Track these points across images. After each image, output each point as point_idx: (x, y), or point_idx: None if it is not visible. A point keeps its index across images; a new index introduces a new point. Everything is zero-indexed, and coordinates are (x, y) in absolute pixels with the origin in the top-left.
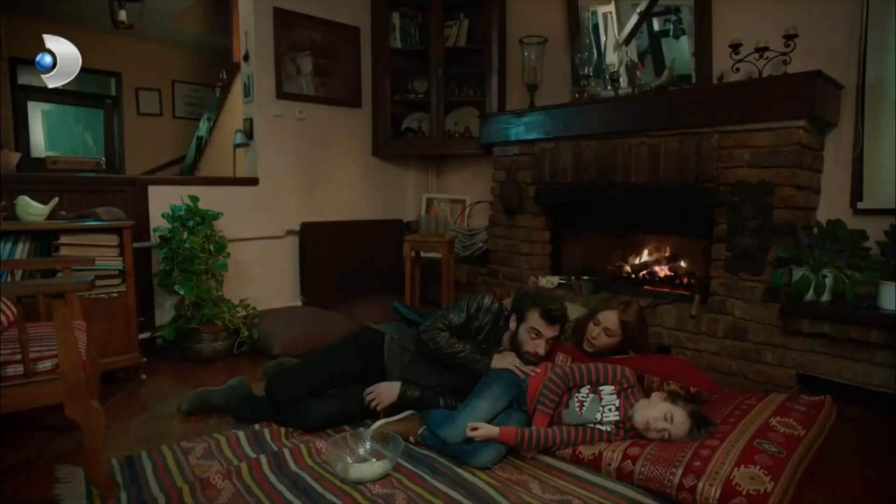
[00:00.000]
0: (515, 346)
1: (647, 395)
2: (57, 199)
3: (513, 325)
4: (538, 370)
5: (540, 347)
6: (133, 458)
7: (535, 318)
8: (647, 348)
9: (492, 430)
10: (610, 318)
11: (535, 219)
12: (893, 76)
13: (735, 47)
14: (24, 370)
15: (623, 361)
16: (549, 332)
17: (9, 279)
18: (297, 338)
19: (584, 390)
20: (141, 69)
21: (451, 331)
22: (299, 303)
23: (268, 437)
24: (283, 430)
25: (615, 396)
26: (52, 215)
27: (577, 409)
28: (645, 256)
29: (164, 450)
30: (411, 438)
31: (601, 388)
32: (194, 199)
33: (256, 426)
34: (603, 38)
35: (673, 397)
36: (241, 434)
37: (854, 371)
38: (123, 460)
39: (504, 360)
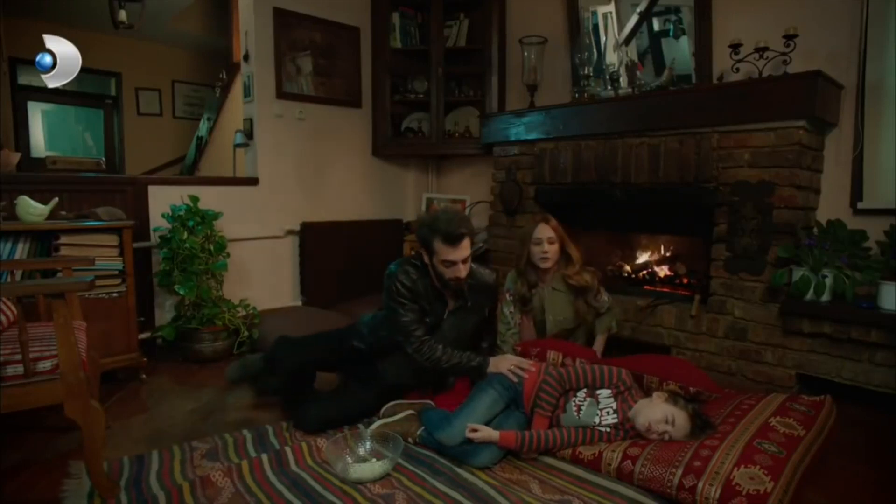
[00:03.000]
0: (438, 278)
1: (647, 395)
2: (57, 199)
3: (426, 259)
4: (532, 369)
5: (460, 272)
6: (134, 457)
7: (440, 249)
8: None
9: (492, 434)
10: (544, 229)
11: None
12: (893, 76)
13: (735, 47)
14: (24, 370)
15: (621, 362)
16: (461, 253)
17: (9, 279)
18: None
19: (581, 394)
20: (141, 69)
21: (421, 325)
22: (299, 303)
23: (271, 436)
24: (286, 428)
25: (612, 399)
26: (52, 215)
27: (575, 413)
28: (645, 256)
29: (167, 449)
30: (409, 439)
31: (598, 391)
32: (194, 199)
33: (264, 425)
34: (603, 38)
35: (674, 398)
36: (248, 435)
37: (854, 371)
38: (124, 460)
39: (500, 364)
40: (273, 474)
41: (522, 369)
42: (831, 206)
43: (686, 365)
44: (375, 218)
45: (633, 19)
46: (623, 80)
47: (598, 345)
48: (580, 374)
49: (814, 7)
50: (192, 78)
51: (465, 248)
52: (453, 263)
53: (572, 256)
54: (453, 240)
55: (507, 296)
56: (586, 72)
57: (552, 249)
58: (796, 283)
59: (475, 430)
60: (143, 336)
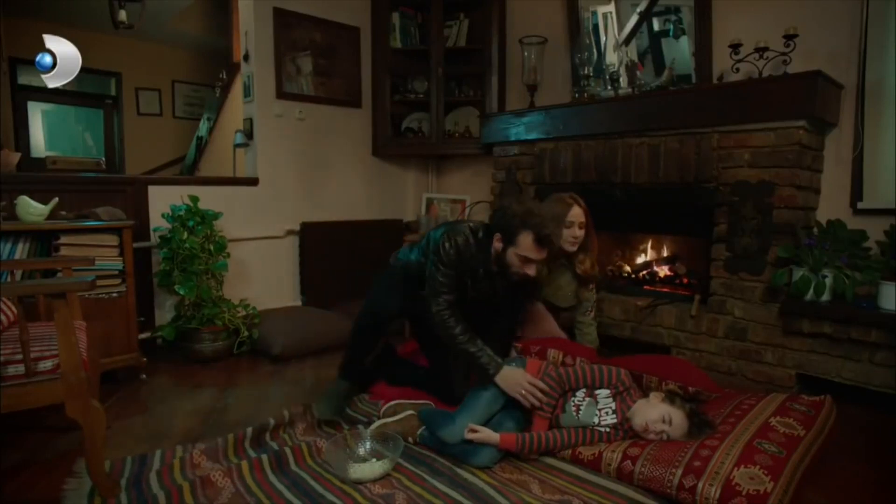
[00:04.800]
0: (500, 265)
1: (646, 395)
2: (57, 199)
3: (498, 244)
4: (544, 399)
5: (532, 270)
6: (133, 458)
7: (527, 245)
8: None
9: (492, 436)
10: (577, 212)
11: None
12: (893, 76)
13: (735, 47)
14: (25, 370)
15: (620, 362)
16: (542, 255)
17: (9, 279)
18: (296, 338)
19: (580, 394)
20: (141, 69)
21: (452, 292)
22: (299, 303)
23: (268, 436)
24: (283, 430)
25: (611, 399)
26: (52, 215)
27: (574, 414)
28: (645, 256)
29: (164, 449)
30: (410, 439)
31: (597, 391)
32: (194, 199)
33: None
34: (603, 38)
35: (671, 397)
36: (247, 433)
37: (854, 371)
38: (123, 460)
39: (512, 385)
40: (273, 474)
41: (535, 393)
42: (831, 206)
43: (685, 365)
44: (375, 218)
45: (633, 19)
46: (623, 80)
47: None
48: (579, 375)
49: (814, 7)
50: (193, 78)
51: (545, 253)
52: (530, 261)
53: (590, 244)
54: (544, 241)
55: None
56: (586, 72)
57: (581, 234)
58: (796, 283)
59: (474, 431)
60: (143, 336)
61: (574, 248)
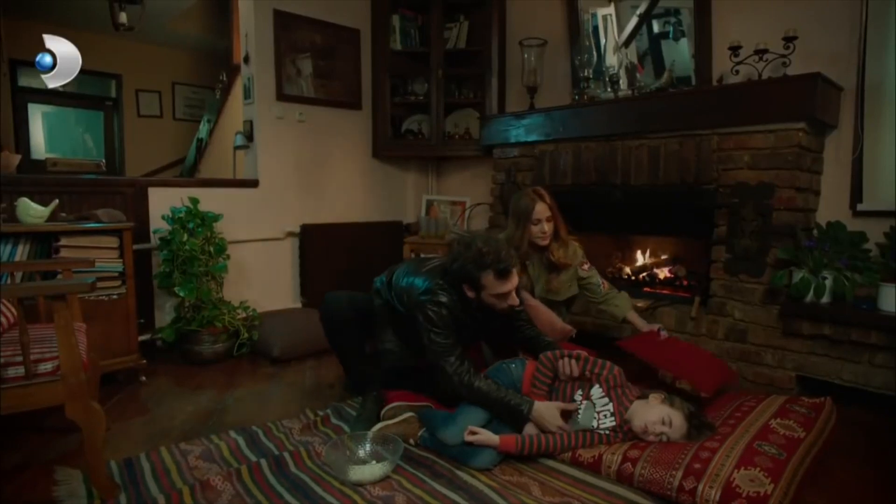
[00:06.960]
0: (484, 309)
1: (643, 395)
2: (57, 200)
3: (471, 293)
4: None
5: (514, 300)
6: (132, 459)
7: (492, 283)
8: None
9: (492, 438)
10: (542, 209)
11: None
12: (893, 77)
13: (735, 49)
14: (25, 371)
15: (630, 346)
16: (514, 283)
17: (9, 281)
18: (297, 340)
19: (577, 397)
20: (141, 71)
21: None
22: (299, 304)
23: (263, 438)
24: (282, 433)
25: (607, 400)
26: (52, 217)
27: (575, 417)
28: (645, 258)
29: (162, 452)
30: (411, 441)
31: (591, 391)
32: (194, 200)
33: (254, 427)
34: (603, 40)
35: (671, 398)
36: (240, 439)
37: (854, 373)
38: (122, 462)
39: (547, 420)
40: (273, 476)
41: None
42: (831, 207)
43: (698, 350)
44: (375, 220)
45: (633, 21)
46: (623, 82)
47: (637, 321)
48: (574, 356)
49: (813, 9)
50: (193, 80)
51: (515, 276)
52: (507, 295)
53: (559, 233)
54: (507, 273)
55: None
56: (586, 74)
57: (550, 227)
58: (796, 285)
59: (474, 433)
60: (142, 338)
61: (546, 242)
